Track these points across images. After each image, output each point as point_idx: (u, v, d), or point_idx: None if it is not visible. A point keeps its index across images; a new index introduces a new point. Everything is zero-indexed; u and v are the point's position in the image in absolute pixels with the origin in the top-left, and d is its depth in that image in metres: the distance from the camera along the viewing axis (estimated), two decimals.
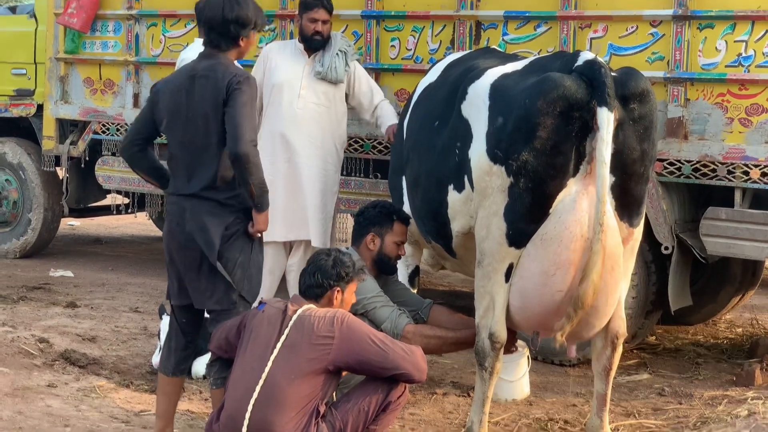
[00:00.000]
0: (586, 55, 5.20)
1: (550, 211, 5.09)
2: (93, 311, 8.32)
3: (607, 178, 4.93)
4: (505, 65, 5.65)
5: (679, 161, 6.84)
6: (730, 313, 8.83)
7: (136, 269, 10.19)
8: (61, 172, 10.18)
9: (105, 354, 7.10)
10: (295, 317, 4.86)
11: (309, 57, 7.34)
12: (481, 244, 5.36)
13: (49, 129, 9.82)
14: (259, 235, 5.35)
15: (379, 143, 7.93)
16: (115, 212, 10.25)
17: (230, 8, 5.28)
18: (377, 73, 7.86)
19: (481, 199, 5.34)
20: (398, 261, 6.54)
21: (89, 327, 7.74)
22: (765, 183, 6.64)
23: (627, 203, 5.19)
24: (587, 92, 5.01)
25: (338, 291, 5.07)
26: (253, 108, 5.19)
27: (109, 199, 10.52)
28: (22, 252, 10.40)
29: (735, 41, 6.70)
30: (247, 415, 4.74)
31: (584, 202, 5.03)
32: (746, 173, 6.68)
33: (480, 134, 5.39)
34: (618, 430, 6.04)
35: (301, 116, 7.27)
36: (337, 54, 7.31)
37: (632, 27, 6.99)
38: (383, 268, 5.98)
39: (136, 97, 9.21)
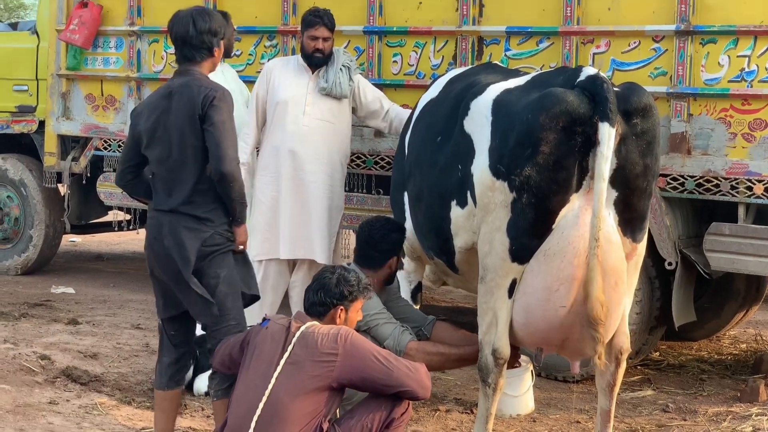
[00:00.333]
0: (588, 71, 5.20)
1: (553, 226, 5.08)
2: (94, 328, 8.30)
3: (604, 193, 4.92)
4: (507, 80, 5.64)
5: (682, 176, 6.83)
6: (734, 329, 8.81)
7: (138, 286, 10.17)
8: (63, 189, 10.18)
9: (107, 371, 7.08)
10: (298, 334, 4.85)
11: (312, 73, 7.34)
12: (484, 260, 5.35)
13: (50, 145, 9.82)
14: (242, 247, 5.39)
15: (381, 159, 7.92)
16: (116, 229, 10.25)
17: (201, 20, 5.41)
18: (379, 88, 7.83)
19: (483, 215, 5.33)
20: (402, 278, 6.56)
21: (91, 344, 7.72)
22: None
23: (630, 218, 5.17)
24: (590, 107, 5.00)
25: (341, 310, 5.05)
26: (232, 123, 5.26)
27: (111, 216, 10.53)
28: (24, 268, 10.39)
29: (738, 56, 6.70)
30: None
31: (587, 217, 5.02)
32: (749, 188, 6.67)
33: (482, 149, 5.38)
34: None
35: (307, 132, 7.25)
36: (340, 69, 7.30)
37: (635, 42, 6.99)
38: (388, 282, 6.00)
39: None
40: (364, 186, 8.11)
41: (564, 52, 7.18)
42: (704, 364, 7.86)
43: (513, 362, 5.74)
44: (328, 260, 7.23)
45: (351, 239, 8.63)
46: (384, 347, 5.34)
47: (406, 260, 6.50)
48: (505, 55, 7.43)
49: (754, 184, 6.64)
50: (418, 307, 6.50)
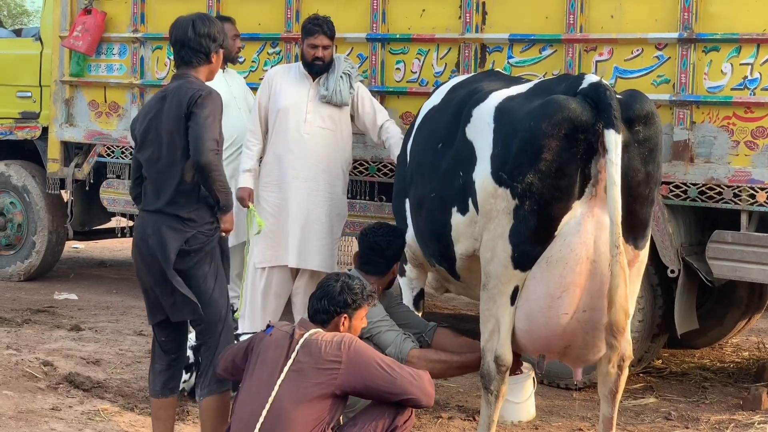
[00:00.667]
0: (590, 78, 5.21)
1: (556, 233, 5.08)
2: (97, 334, 8.30)
3: (618, 200, 4.91)
4: (509, 88, 5.65)
5: (685, 184, 6.83)
6: (737, 337, 8.80)
7: (141, 292, 10.10)
8: (66, 195, 10.19)
9: (109, 377, 7.08)
10: (302, 341, 4.85)
11: (313, 80, 7.34)
12: (486, 267, 5.35)
13: (53, 152, 9.83)
14: (225, 235, 5.47)
15: (384, 166, 7.93)
16: (119, 235, 10.25)
17: (201, 24, 5.46)
18: (382, 95, 7.86)
19: (486, 222, 5.33)
20: (404, 285, 6.57)
21: (93, 350, 7.73)
22: None
23: (632, 225, 5.17)
24: (592, 114, 5.01)
25: (345, 318, 5.05)
26: (215, 120, 5.28)
27: (114, 222, 10.53)
28: (27, 275, 10.40)
29: (740, 64, 6.70)
30: None
31: (590, 224, 5.03)
32: (752, 196, 6.67)
33: (484, 157, 5.38)
34: None
35: (308, 140, 7.26)
36: (341, 77, 7.30)
37: (638, 50, 6.99)
38: (388, 286, 6.02)
39: None
40: (367, 193, 8.12)
41: (567, 60, 7.18)
42: (707, 372, 7.85)
43: (515, 369, 5.74)
44: (330, 268, 7.24)
45: (353, 246, 8.63)
46: (386, 354, 5.34)
47: (408, 267, 6.51)
48: (508, 62, 7.43)
49: (757, 191, 6.64)
50: (420, 314, 6.50)
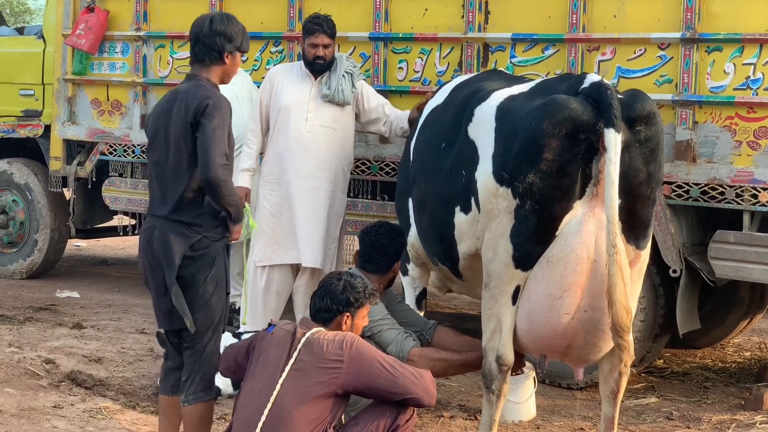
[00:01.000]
0: (592, 77, 5.21)
1: (557, 233, 5.08)
2: (99, 332, 8.31)
3: (616, 199, 4.92)
4: (511, 87, 5.65)
5: (687, 184, 6.83)
6: (739, 337, 8.80)
7: (143, 290, 10.14)
8: (68, 193, 10.19)
9: (111, 375, 7.08)
10: (303, 340, 4.85)
11: (315, 79, 7.34)
12: (487, 266, 5.35)
13: (56, 150, 9.83)
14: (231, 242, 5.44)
15: (386, 165, 7.93)
16: (121, 233, 10.25)
17: (219, 21, 5.38)
18: (385, 95, 7.84)
19: (487, 221, 5.33)
20: (406, 284, 6.57)
21: (95, 348, 7.73)
22: None
23: (634, 225, 5.17)
24: (593, 114, 5.00)
25: (347, 316, 5.06)
26: (224, 131, 5.20)
27: (116, 220, 10.54)
28: (29, 272, 10.41)
29: (743, 64, 6.70)
30: None
31: (591, 224, 5.03)
32: (755, 196, 6.66)
33: (486, 156, 5.38)
34: None
35: (309, 139, 7.26)
36: (343, 76, 7.31)
37: (640, 50, 6.99)
38: (389, 285, 6.03)
39: (143, 118, 9.22)
40: (369, 192, 8.12)
41: (569, 60, 7.18)
42: (708, 372, 7.85)
43: (517, 369, 5.74)
44: (330, 266, 7.25)
45: (354, 245, 8.64)
46: (387, 353, 5.35)
47: (411, 266, 6.51)
48: (511, 62, 7.43)
49: (759, 191, 6.64)
50: (422, 313, 6.51)
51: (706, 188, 6.79)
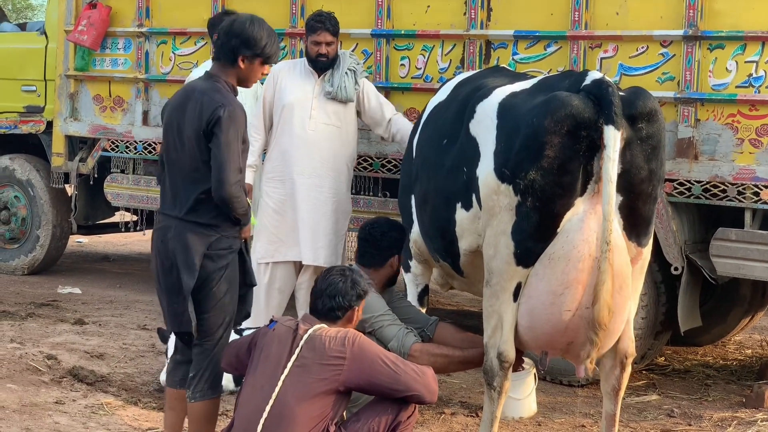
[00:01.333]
0: (593, 75, 5.20)
1: (558, 230, 5.08)
2: (101, 328, 8.31)
3: (613, 196, 4.92)
4: (513, 84, 5.65)
5: (689, 181, 6.83)
6: (740, 335, 8.81)
7: (144, 287, 10.18)
8: (70, 189, 10.20)
9: (113, 371, 7.09)
10: (306, 337, 4.85)
11: (318, 77, 7.35)
12: (489, 263, 5.35)
13: (58, 146, 9.84)
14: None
15: (388, 162, 7.93)
16: (123, 229, 10.27)
17: (241, 24, 5.21)
18: (387, 91, 7.86)
19: (488, 218, 5.33)
20: (409, 281, 6.56)
21: (97, 344, 7.74)
22: None
23: (635, 223, 5.17)
24: (595, 111, 5.00)
25: (357, 310, 5.09)
26: (238, 144, 5.12)
27: (118, 217, 10.55)
28: (30, 269, 10.41)
29: (745, 62, 6.70)
30: None
31: (592, 221, 5.02)
32: (756, 194, 6.67)
33: (488, 153, 5.38)
34: None
35: (313, 136, 7.26)
36: (346, 73, 7.31)
37: (643, 47, 6.99)
38: (390, 282, 6.00)
39: (145, 114, 9.24)
40: (371, 189, 8.12)
41: (572, 57, 7.18)
42: (709, 370, 7.86)
43: (517, 366, 5.74)
44: (336, 263, 7.24)
45: (356, 242, 8.64)
46: (388, 348, 5.35)
47: (413, 263, 6.51)
48: (513, 59, 7.43)
49: (761, 189, 6.64)
50: (424, 310, 6.51)
51: (707, 186, 6.79)
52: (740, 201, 6.72)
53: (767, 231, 6.72)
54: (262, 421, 4.73)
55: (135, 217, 9.97)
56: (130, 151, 9.34)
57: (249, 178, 7.26)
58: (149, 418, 6.25)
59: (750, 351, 8.53)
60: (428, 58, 7.81)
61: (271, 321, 5.06)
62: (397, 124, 7.44)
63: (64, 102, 9.72)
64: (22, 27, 11.34)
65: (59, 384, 6.75)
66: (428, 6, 7.79)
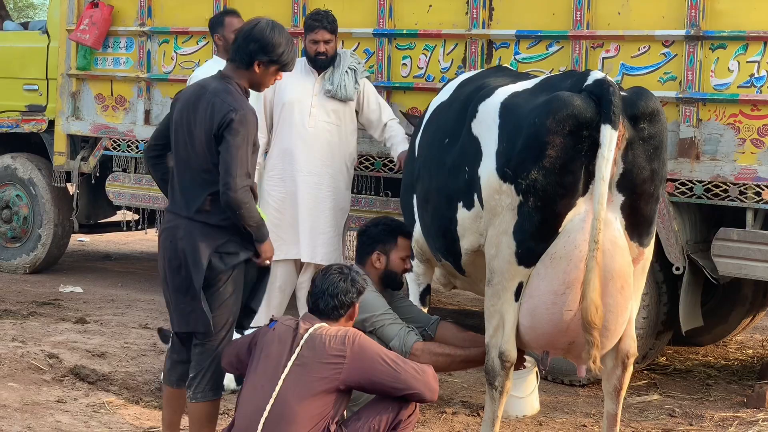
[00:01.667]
0: (595, 75, 5.21)
1: (560, 230, 5.08)
2: (102, 327, 8.31)
3: (605, 195, 4.92)
4: (515, 84, 5.65)
5: (690, 181, 6.84)
6: (741, 335, 8.81)
7: (146, 285, 10.19)
8: (72, 188, 10.20)
9: (114, 370, 7.09)
10: (306, 336, 4.85)
11: (318, 75, 7.35)
12: (490, 263, 5.36)
13: (60, 145, 9.84)
14: (267, 262, 5.31)
15: (390, 161, 7.93)
16: (125, 228, 10.26)
17: (262, 28, 5.19)
18: (388, 91, 7.87)
19: (490, 218, 5.33)
20: (411, 280, 6.55)
21: (99, 343, 7.74)
22: None
23: (637, 223, 5.17)
24: (596, 111, 5.00)
25: (357, 306, 5.10)
26: (248, 149, 5.09)
27: (119, 216, 10.55)
28: (32, 267, 10.42)
29: (747, 62, 6.70)
30: None
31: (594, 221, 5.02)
32: (758, 194, 6.67)
33: (490, 152, 5.38)
34: None
35: (312, 135, 7.27)
36: (346, 72, 7.32)
37: (644, 47, 6.99)
38: (390, 284, 5.97)
39: (147, 113, 9.24)
40: (373, 188, 8.12)
41: (573, 56, 7.18)
42: (711, 369, 7.86)
43: (519, 365, 5.74)
44: (336, 261, 7.23)
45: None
46: (389, 348, 5.35)
47: (415, 263, 6.51)
48: (515, 58, 7.44)
49: (763, 189, 6.64)
50: (426, 309, 6.51)
51: (709, 186, 6.79)
52: (742, 201, 6.72)
53: None
54: (262, 420, 4.74)
55: (136, 216, 9.97)
56: (131, 150, 9.34)
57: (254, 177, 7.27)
58: (151, 416, 6.25)
59: (751, 351, 8.53)
60: (430, 57, 7.81)
61: (271, 320, 5.06)
62: (392, 129, 7.44)
63: (66, 101, 9.72)
64: (24, 26, 11.34)
65: (61, 383, 6.75)
66: (430, 5, 7.79)
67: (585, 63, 7.13)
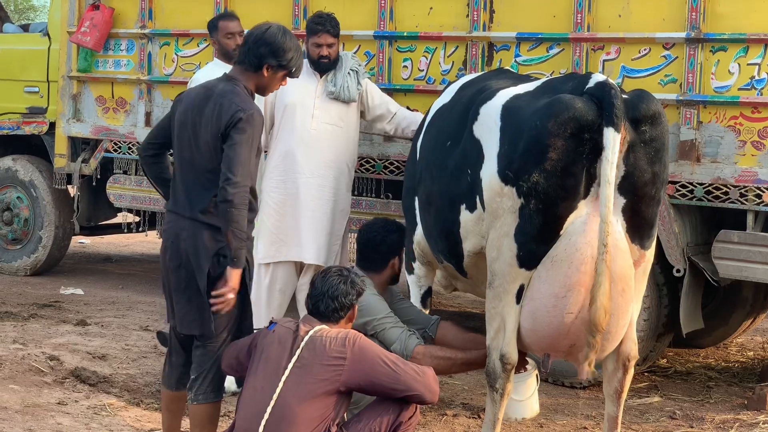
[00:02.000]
0: (597, 77, 5.21)
1: (561, 232, 5.09)
2: (103, 329, 8.32)
3: (611, 198, 4.93)
4: (517, 86, 5.65)
5: (691, 184, 6.84)
6: (742, 337, 8.81)
7: (147, 288, 10.20)
8: (73, 190, 10.20)
9: (115, 372, 7.09)
10: (306, 338, 4.86)
11: (320, 77, 7.35)
12: (492, 265, 5.36)
13: (61, 147, 9.84)
14: (231, 295, 5.09)
15: (391, 163, 7.94)
16: (125, 230, 10.26)
17: (273, 32, 5.22)
18: (389, 93, 7.86)
19: (492, 220, 5.34)
20: (412, 283, 6.56)
21: (99, 345, 7.74)
22: None
23: (638, 225, 5.18)
24: (598, 114, 5.01)
25: (356, 307, 5.12)
26: (252, 149, 5.09)
27: (120, 218, 10.54)
28: (33, 269, 10.42)
29: (748, 64, 6.70)
30: None
31: (595, 224, 5.02)
32: (759, 196, 6.67)
33: (491, 155, 5.39)
34: None
35: (315, 136, 7.27)
36: (348, 73, 7.31)
37: (645, 49, 7.00)
38: (392, 282, 6.00)
39: (148, 115, 9.24)
40: (373, 190, 8.12)
41: (574, 59, 7.19)
42: (711, 372, 7.86)
43: (520, 367, 5.74)
44: (337, 264, 7.24)
45: None
46: (391, 351, 5.35)
47: (416, 265, 6.51)
48: (516, 61, 7.44)
49: (763, 191, 6.65)
50: (427, 311, 6.51)
51: (710, 188, 6.80)
52: (742, 203, 6.72)
53: None
54: (263, 422, 4.74)
55: (137, 218, 9.97)
56: (132, 152, 9.34)
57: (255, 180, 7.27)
58: (151, 419, 6.25)
59: (752, 353, 8.53)
60: (431, 60, 7.81)
61: (271, 322, 5.06)
62: (405, 116, 7.45)
63: (66, 103, 9.73)
64: (25, 28, 11.34)
65: (62, 385, 6.75)
66: (431, 8, 7.80)
67: (586, 65, 7.13)
